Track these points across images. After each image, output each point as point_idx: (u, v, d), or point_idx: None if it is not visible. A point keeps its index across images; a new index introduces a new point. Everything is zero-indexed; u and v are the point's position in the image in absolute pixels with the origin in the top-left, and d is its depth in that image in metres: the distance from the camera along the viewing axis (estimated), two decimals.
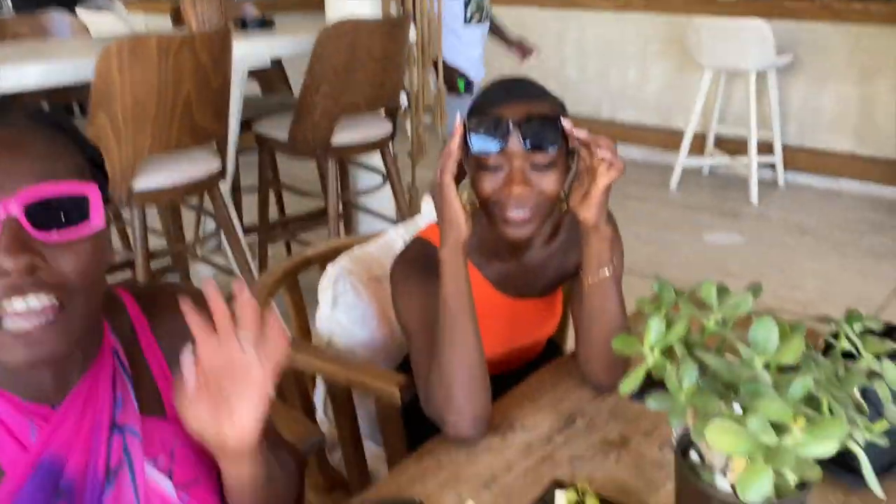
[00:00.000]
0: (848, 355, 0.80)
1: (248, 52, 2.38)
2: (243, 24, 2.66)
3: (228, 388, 0.72)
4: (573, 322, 1.25)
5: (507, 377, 1.34)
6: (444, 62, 3.23)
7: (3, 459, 0.71)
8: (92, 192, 0.70)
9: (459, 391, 1.08)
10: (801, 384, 0.67)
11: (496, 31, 3.54)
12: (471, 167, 1.14)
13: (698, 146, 4.54)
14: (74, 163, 0.71)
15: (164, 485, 0.80)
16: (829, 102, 4.35)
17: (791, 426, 0.66)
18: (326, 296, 1.40)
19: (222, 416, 0.72)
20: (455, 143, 1.07)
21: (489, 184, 1.10)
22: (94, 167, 0.76)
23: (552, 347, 1.51)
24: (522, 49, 3.53)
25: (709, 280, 0.79)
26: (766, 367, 0.72)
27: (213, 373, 0.71)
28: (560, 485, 0.98)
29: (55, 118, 0.74)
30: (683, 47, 4.41)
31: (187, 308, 0.69)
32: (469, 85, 3.29)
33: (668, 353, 0.77)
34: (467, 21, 3.25)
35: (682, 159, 4.39)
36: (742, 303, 0.76)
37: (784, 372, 0.74)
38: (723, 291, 0.80)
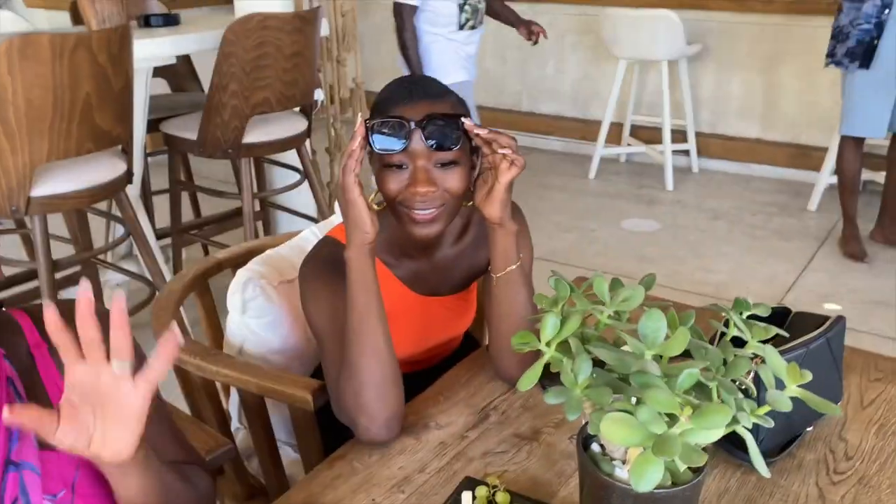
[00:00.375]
0: (739, 342, 0.83)
1: (152, 49, 2.30)
2: (146, 21, 2.57)
3: (98, 411, 0.69)
4: (485, 317, 1.25)
5: (425, 373, 1.34)
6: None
7: None
8: None
9: (370, 393, 1.07)
10: (687, 375, 0.69)
11: (499, 12, 3.41)
12: (375, 167, 1.13)
13: (615, 135, 4.64)
14: None
15: None
16: (737, 90, 4.51)
17: (679, 415, 0.68)
18: (235, 301, 1.37)
19: (93, 438, 0.69)
20: (356, 142, 1.05)
21: (394, 183, 1.10)
22: None
23: (469, 341, 1.51)
24: (529, 28, 3.39)
25: (600, 275, 0.81)
26: (658, 358, 0.74)
27: (81, 395, 0.68)
28: (472, 482, 0.98)
29: None
30: (598, 39, 4.50)
31: (53, 324, 0.65)
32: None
33: (564, 348, 0.78)
34: (461, 28, 3.13)
35: (600, 149, 4.49)
36: (634, 296, 0.77)
37: (676, 361, 0.76)
38: (615, 285, 0.82)
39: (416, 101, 1.11)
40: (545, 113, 5.15)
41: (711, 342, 0.82)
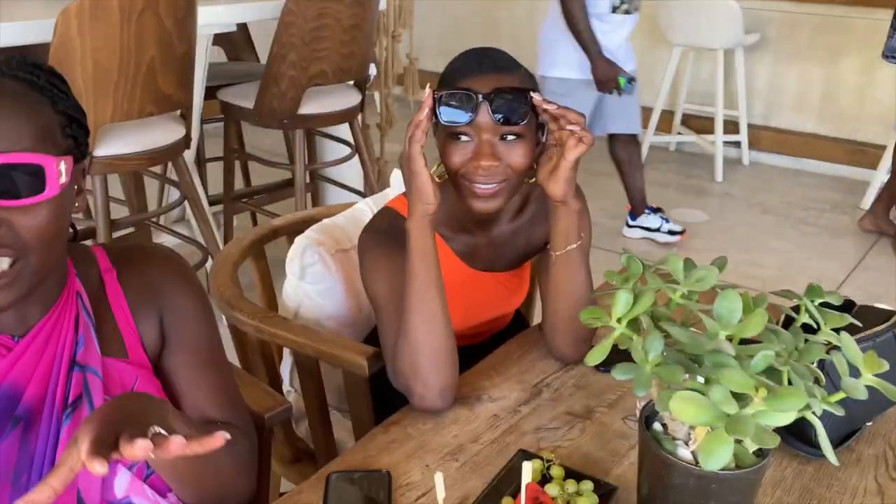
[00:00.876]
0: (808, 329, 0.82)
1: (213, 16, 2.32)
2: None
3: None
4: (541, 295, 1.25)
5: (475, 348, 1.35)
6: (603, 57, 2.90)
7: None
8: (47, 162, 0.72)
9: (427, 362, 1.08)
10: (762, 357, 0.68)
11: None
12: (440, 139, 1.13)
13: (666, 124, 4.58)
14: (40, 126, 0.73)
15: None
16: (793, 83, 4.41)
17: (752, 397, 0.68)
18: (294, 266, 1.39)
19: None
20: (423, 113, 1.06)
21: (458, 156, 1.10)
22: (72, 122, 0.78)
23: (519, 319, 1.52)
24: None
25: (674, 253, 0.80)
26: (730, 339, 0.73)
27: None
28: (526, 455, 0.99)
29: (29, 70, 0.76)
30: (653, 24, 4.42)
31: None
32: (631, 80, 3.00)
33: (634, 325, 0.78)
34: (613, 10, 2.94)
35: (650, 136, 4.43)
36: (707, 276, 0.77)
37: (747, 344, 0.75)
38: (689, 265, 0.81)
39: (484, 74, 1.10)
40: None
41: (784, 327, 0.82)
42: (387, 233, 1.19)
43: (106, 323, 0.86)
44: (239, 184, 3.19)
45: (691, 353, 0.74)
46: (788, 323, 0.88)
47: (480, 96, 1.05)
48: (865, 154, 4.14)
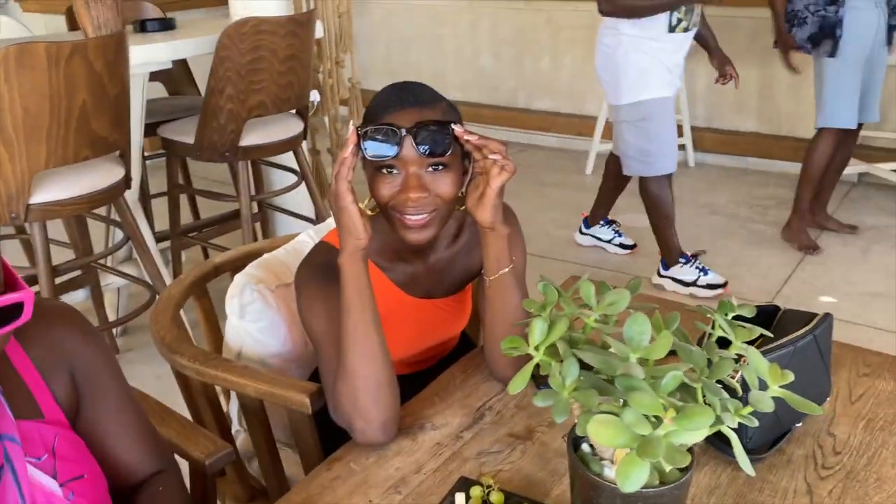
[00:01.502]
0: (726, 342, 0.85)
1: (149, 55, 2.32)
2: (142, 26, 2.58)
3: None
4: (480, 318, 1.27)
5: (422, 375, 1.36)
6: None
7: None
8: (26, 297, 0.73)
9: (366, 397, 1.09)
10: (671, 377, 0.71)
11: (700, 35, 3.00)
12: (368, 173, 1.15)
13: (609, 129, 4.65)
14: None
15: (48, 483, 0.83)
16: (732, 85, 4.52)
17: (663, 417, 0.70)
18: (233, 305, 1.38)
19: None
20: (348, 149, 1.07)
21: (386, 189, 1.12)
22: None
23: (466, 341, 1.53)
24: (723, 67, 3.11)
25: (586, 279, 0.83)
26: (644, 360, 0.76)
27: None
28: (467, 482, 1.00)
29: None
30: (594, 33, 4.51)
31: None
32: None
33: (553, 351, 0.80)
34: (671, 30, 2.73)
35: (596, 144, 4.50)
36: (619, 300, 0.79)
37: (663, 362, 0.78)
38: (603, 289, 0.84)
39: (407, 108, 1.12)
40: (541, 109, 5.16)
41: (699, 343, 0.84)
42: (322, 268, 1.20)
43: (14, 386, 0.85)
44: (188, 216, 3.17)
45: (608, 376, 0.76)
46: (707, 337, 0.91)
47: (404, 130, 1.07)
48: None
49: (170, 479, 0.97)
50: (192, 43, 2.42)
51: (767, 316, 1.18)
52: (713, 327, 0.85)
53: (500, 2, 5.07)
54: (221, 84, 2.33)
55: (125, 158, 2.18)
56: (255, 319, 1.39)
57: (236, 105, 2.37)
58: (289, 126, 2.61)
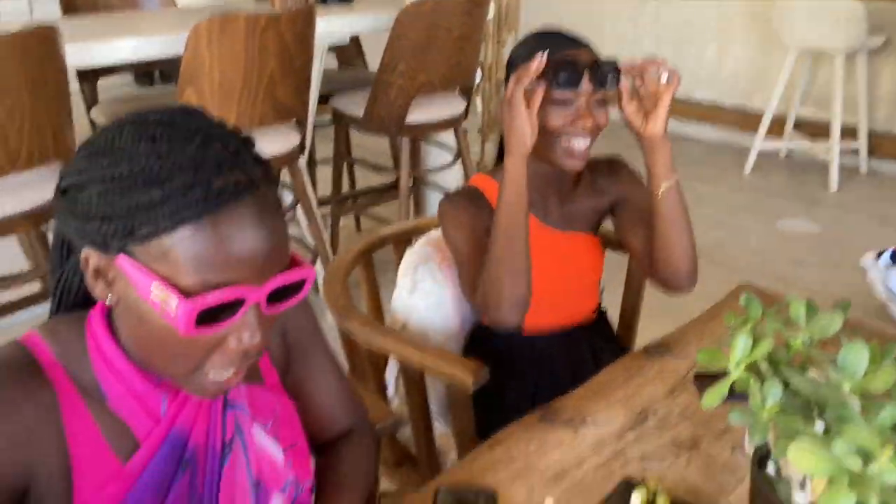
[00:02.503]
0: None
1: (329, 29, 2.41)
2: (324, 0, 2.69)
3: None
4: (652, 235, 1.31)
5: (558, 339, 1.43)
6: None
7: (139, 432, 0.78)
8: (309, 274, 0.75)
9: (506, 281, 1.23)
10: (890, 413, 0.67)
11: None
12: (538, 103, 1.23)
13: (777, 129, 4.39)
14: (287, 234, 0.74)
15: (274, 450, 0.88)
16: None
17: (877, 454, 0.66)
18: (406, 281, 1.44)
19: None
20: (534, 66, 1.17)
21: (558, 119, 1.24)
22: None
23: (605, 324, 1.57)
24: None
25: (795, 297, 0.79)
26: (853, 391, 0.72)
27: None
28: (631, 483, 1.00)
29: (265, 170, 0.74)
30: (767, 25, 4.26)
31: None
32: None
33: (752, 368, 0.77)
34: None
35: (759, 142, 4.26)
36: (831, 323, 0.75)
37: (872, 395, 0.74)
38: (811, 308, 0.80)
39: (581, 48, 1.27)
40: (700, 100, 4.95)
41: None
42: (468, 198, 1.35)
43: None
44: (344, 186, 3.30)
45: (811, 401, 0.73)
46: None
47: (584, 66, 1.21)
48: None
49: (362, 439, 1.02)
50: (371, 19, 2.50)
51: None
52: None
53: None
54: (395, 60, 2.39)
55: (301, 126, 2.30)
56: (424, 297, 1.44)
57: (406, 81, 2.43)
58: (452, 105, 2.65)
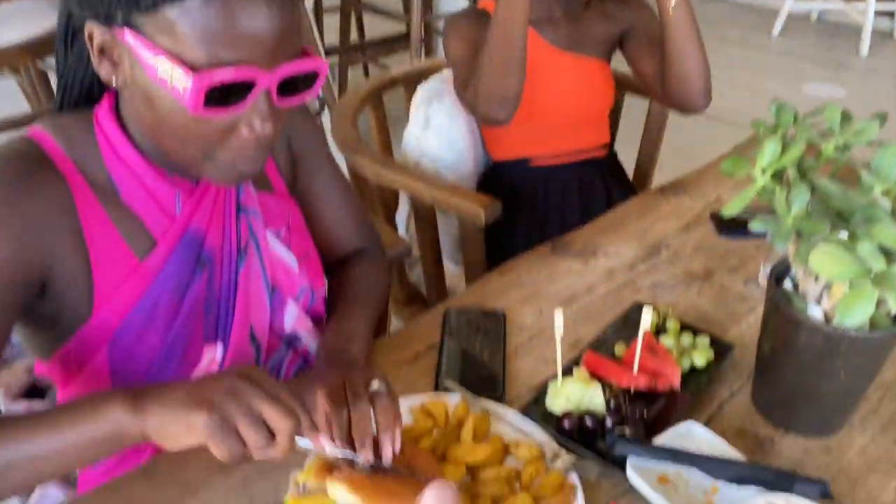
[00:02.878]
0: None
1: None
2: None
3: None
4: (664, 54, 1.29)
5: (568, 168, 1.43)
6: None
7: (154, 230, 0.76)
8: (321, 67, 0.71)
9: (499, 72, 1.22)
10: None
11: None
12: None
13: None
14: (299, 22, 0.70)
15: (287, 257, 0.87)
16: None
17: None
18: (419, 117, 1.39)
19: None
20: None
21: None
22: None
23: (618, 166, 1.56)
24: None
25: (832, 103, 0.75)
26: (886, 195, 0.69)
27: None
28: (642, 306, 0.99)
29: None
30: None
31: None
32: None
33: (778, 178, 0.74)
34: None
35: (790, 2, 4.04)
36: (868, 129, 0.71)
37: None
38: (846, 116, 0.76)
39: None
40: None
41: None
42: (472, 15, 1.35)
43: None
44: (353, 36, 3.17)
45: (837, 209, 0.70)
46: None
47: None
48: None
49: (374, 259, 1.01)
50: None
51: None
52: None
53: None
54: None
55: None
56: (436, 134, 1.39)
57: None
58: None
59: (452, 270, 1.55)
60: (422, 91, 1.44)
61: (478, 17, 1.34)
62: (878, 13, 3.86)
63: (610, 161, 1.49)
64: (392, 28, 3.12)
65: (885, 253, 0.65)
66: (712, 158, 1.40)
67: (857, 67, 3.76)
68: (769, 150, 0.72)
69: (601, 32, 1.42)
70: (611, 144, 1.56)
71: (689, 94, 1.30)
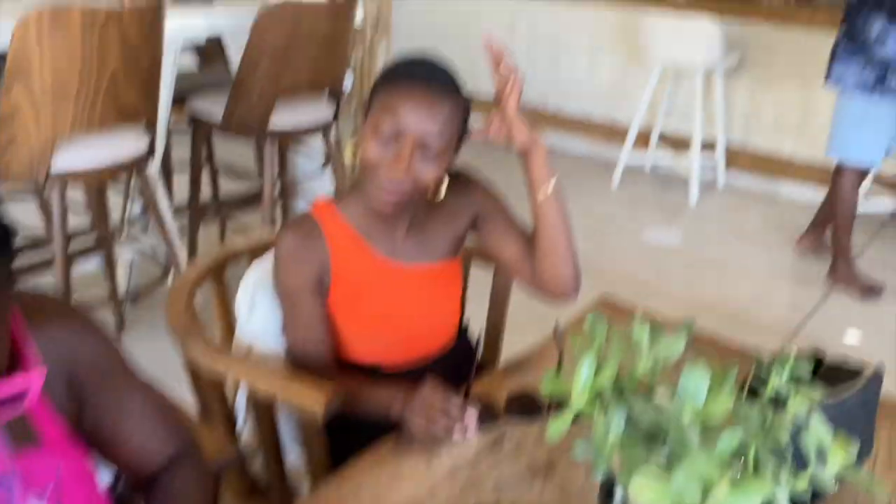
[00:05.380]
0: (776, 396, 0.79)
1: (185, 27, 2.26)
2: None
3: None
4: (534, 241, 1.27)
5: (419, 372, 1.31)
6: None
7: None
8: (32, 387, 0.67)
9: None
10: (728, 441, 0.65)
11: None
12: (368, 128, 1.16)
13: (642, 142, 4.57)
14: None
15: None
16: (772, 105, 4.42)
17: (716, 484, 0.64)
18: (244, 303, 1.34)
19: None
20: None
21: (376, 152, 1.14)
22: None
23: (467, 346, 1.46)
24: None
25: (640, 320, 0.77)
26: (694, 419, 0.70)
27: None
28: None
29: None
30: (633, 43, 4.42)
31: None
32: None
33: (596, 397, 0.74)
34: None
35: (626, 155, 4.41)
36: (675, 348, 0.73)
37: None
38: (655, 331, 0.78)
39: (438, 83, 1.18)
40: (572, 113, 5.08)
41: (744, 385, 0.78)
42: (301, 233, 1.24)
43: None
44: (207, 192, 3.12)
45: (653, 433, 0.70)
46: (757, 385, 0.85)
47: (410, 138, 1.12)
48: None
49: (191, 466, 0.93)
50: (231, 18, 2.37)
51: (813, 366, 1.12)
52: (767, 375, 0.79)
53: (542, 2, 4.98)
54: (255, 62, 2.27)
55: (151, 129, 2.13)
56: (264, 320, 1.34)
57: (269, 84, 2.31)
58: (320, 109, 2.56)
59: (297, 457, 1.45)
60: (254, 272, 1.39)
61: (306, 239, 1.24)
62: (703, 164, 4.27)
63: (459, 347, 1.43)
64: (251, 185, 3.11)
65: (702, 483, 0.65)
66: (560, 310, 1.40)
67: (688, 215, 4.10)
68: (584, 372, 0.72)
69: (447, 233, 1.33)
70: (461, 320, 1.53)
71: (560, 284, 1.27)
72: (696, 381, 0.68)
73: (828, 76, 3.20)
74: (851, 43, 3.03)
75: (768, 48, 4.32)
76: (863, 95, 3.02)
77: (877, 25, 2.92)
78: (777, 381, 0.76)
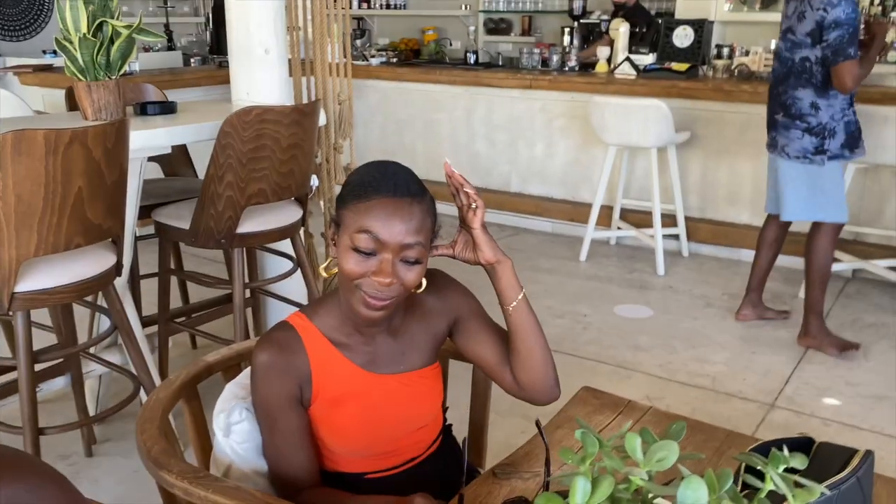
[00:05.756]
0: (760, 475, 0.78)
1: (149, 140, 2.28)
2: (143, 109, 2.56)
3: None
4: (510, 351, 1.29)
5: (403, 473, 1.32)
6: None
7: None
8: None
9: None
10: None
11: None
12: (344, 244, 1.17)
13: (605, 218, 4.67)
14: None
15: None
16: (724, 176, 4.57)
17: None
18: (220, 422, 1.31)
19: None
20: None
21: (358, 267, 1.16)
22: None
23: (449, 437, 1.47)
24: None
25: (631, 432, 0.76)
26: None
27: None
28: None
29: None
30: (587, 124, 4.57)
31: None
32: None
33: None
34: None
35: (591, 231, 4.50)
36: (668, 456, 0.72)
37: None
38: (647, 439, 0.77)
39: (405, 196, 1.17)
40: (534, 194, 5.18)
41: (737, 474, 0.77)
42: (279, 347, 1.23)
43: None
44: (177, 299, 3.08)
45: None
46: (750, 482, 0.84)
47: (388, 247, 1.15)
48: (798, 244, 4.27)
49: None
50: (194, 129, 2.39)
51: (801, 447, 1.12)
52: (762, 476, 0.78)
53: (497, 90, 5.15)
54: (221, 171, 2.29)
55: (118, 244, 2.11)
56: (242, 440, 1.30)
57: (235, 193, 2.32)
58: (287, 213, 2.57)
59: None
60: (223, 395, 1.36)
61: (285, 352, 1.23)
62: (665, 236, 4.36)
63: (443, 446, 1.42)
64: (221, 291, 3.07)
65: None
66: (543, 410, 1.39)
67: (657, 286, 4.15)
68: (580, 489, 0.70)
69: (426, 338, 1.32)
70: (444, 417, 1.51)
71: (538, 389, 1.30)
72: (695, 490, 0.67)
73: (771, 147, 3.37)
74: (787, 117, 3.20)
75: (716, 122, 4.50)
76: (812, 162, 3.16)
77: (807, 99, 3.12)
78: (772, 481, 0.76)
